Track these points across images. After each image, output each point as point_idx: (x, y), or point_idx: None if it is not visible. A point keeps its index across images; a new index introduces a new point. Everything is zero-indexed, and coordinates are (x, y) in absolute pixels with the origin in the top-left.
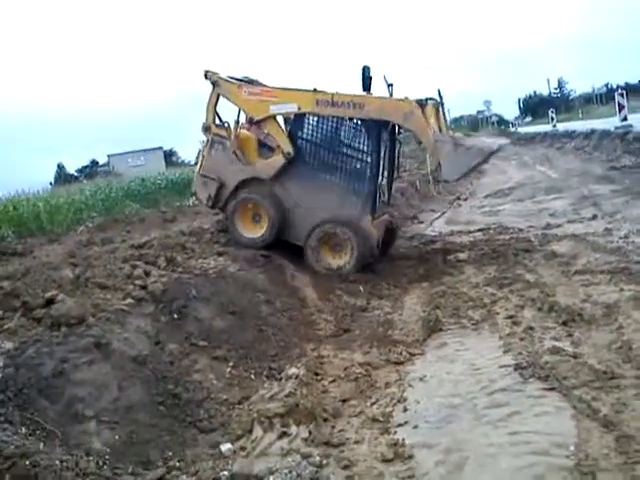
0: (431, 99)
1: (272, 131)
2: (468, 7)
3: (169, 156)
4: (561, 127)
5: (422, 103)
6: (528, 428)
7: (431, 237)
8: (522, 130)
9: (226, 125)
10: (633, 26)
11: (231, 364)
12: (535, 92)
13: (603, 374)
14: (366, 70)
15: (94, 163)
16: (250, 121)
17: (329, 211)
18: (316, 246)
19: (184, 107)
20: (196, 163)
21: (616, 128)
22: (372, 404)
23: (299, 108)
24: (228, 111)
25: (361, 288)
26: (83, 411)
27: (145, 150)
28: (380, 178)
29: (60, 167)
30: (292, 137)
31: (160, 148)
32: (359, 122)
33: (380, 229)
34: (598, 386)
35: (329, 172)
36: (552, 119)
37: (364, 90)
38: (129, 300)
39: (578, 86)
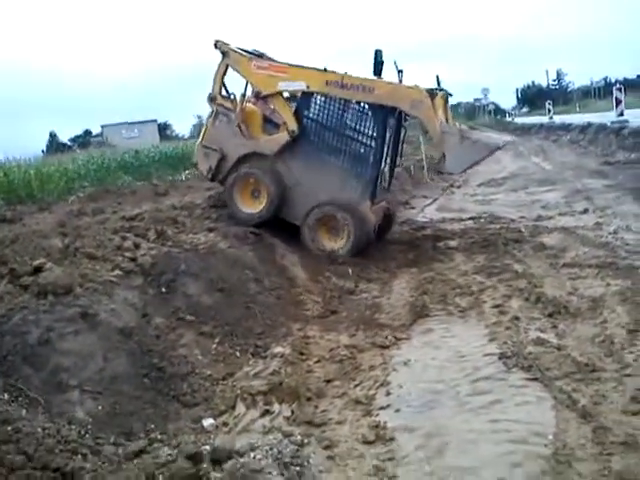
0: (441, 90)
1: (278, 107)
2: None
3: (163, 129)
4: (558, 119)
5: (432, 93)
6: (509, 416)
7: (422, 223)
8: (519, 120)
9: (232, 97)
10: (631, 22)
11: (217, 340)
12: (533, 83)
13: (585, 367)
14: (378, 54)
15: (87, 133)
16: (257, 95)
17: (329, 193)
18: (313, 226)
19: (181, 80)
20: (192, 136)
21: (612, 123)
22: (356, 386)
23: (308, 87)
24: (235, 83)
25: (350, 270)
26: (67, 380)
27: (140, 122)
28: (383, 164)
29: (52, 135)
30: (298, 115)
31: (155, 121)
32: (366, 106)
33: (378, 215)
34: (579, 378)
35: (332, 154)
36: (549, 111)
37: (375, 74)
38: (118, 272)
39: (576, 79)
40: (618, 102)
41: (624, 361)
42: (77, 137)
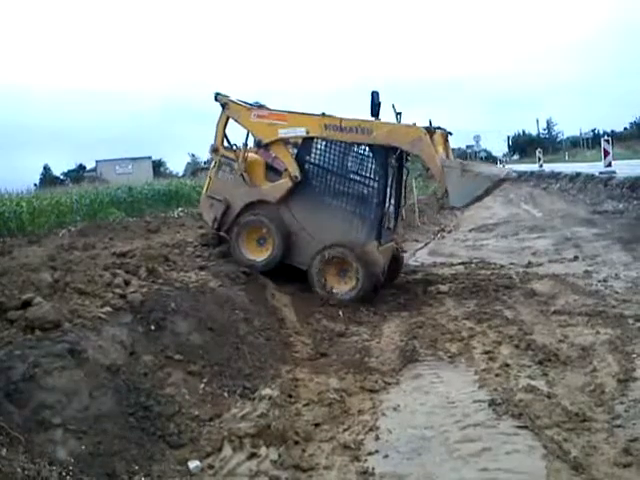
0: (439, 128)
1: (280, 154)
2: (461, 42)
3: (157, 166)
4: (547, 168)
5: (430, 130)
6: (499, 465)
7: (413, 267)
8: (509, 168)
9: (234, 147)
10: (620, 77)
11: (205, 380)
12: (524, 131)
13: (575, 416)
14: (375, 96)
15: (81, 167)
16: (258, 144)
17: (335, 236)
18: (321, 270)
19: (176, 119)
20: (184, 175)
21: (600, 173)
22: (344, 430)
23: (307, 132)
24: (237, 134)
25: (341, 313)
26: (50, 418)
27: (134, 158)
28: (387, 204)
29: (46, 169)
30: (299, 161)
31: (149, 158)
32: (367, 147)
33: (386, 256)
34: (570, 427)
35: (336, 197)
36: (539, 159)
37: (372, 115)
38: (107, 308)
39: (566, 129)
40: (606, 154)
41: (615, 411)
42: (71, 171)
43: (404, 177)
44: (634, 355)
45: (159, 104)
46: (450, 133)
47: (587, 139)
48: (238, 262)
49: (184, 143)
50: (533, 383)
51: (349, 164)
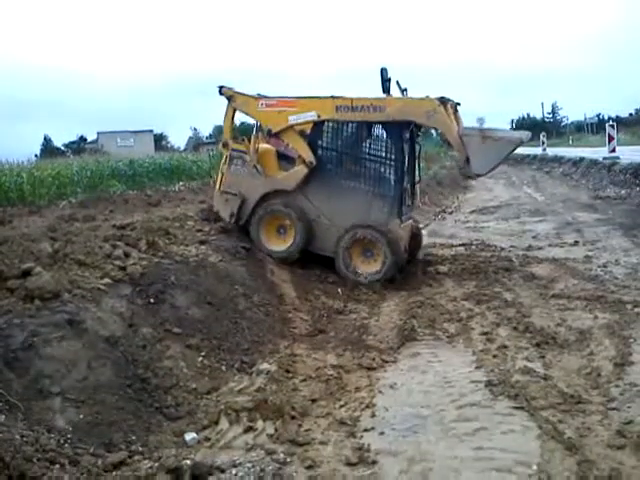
0: (448, 100)
1: (292, 141)
2: (465, 24)
3: (159, 140)
4: (551, 152)
5: (444, 100)
6: (493, 444)
7: None
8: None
9: (244, 139)
10: (627, 62)
11: (203, 354)
12: (528, 115)
13: (571, 398)
14: (384, 72)
15: (82, 139)
16: (269, 133)
17: (357, 217)
18: (346, 252)
19: (180, 92)
20: (185, 149)
21: (604, 158)
22: (341, 407)
23: (319, 116)
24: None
25: (339, 290)
26: (49, 387)
27: (135, 132)
28: (405, 181)
29: (47, 139)
30: (312, 146)
31: (150, 131)
32: (380, 125)
33: (407, 234)
34: (565, 409)
35: (353, 178)
36: (543, 143)
37: (383, 92)
38: (107, 280)
39: (570, 113)
40: (610, 139)
41: (610, 394)
42: (72, 143)
43: (417, 152)
44: (631, 340)
45: (160, 78)
46: (459, 104)
47: (591, 124)
48: (262, 252)
49: (186, 117)
50: (530, 365)
51: (363, 144)
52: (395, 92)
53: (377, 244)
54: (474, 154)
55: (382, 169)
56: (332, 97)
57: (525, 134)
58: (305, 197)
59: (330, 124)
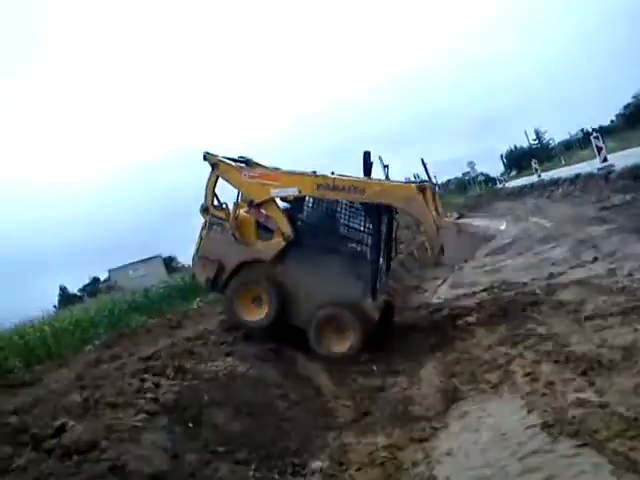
0: (425, 181)
1: (272, 213)
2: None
3: (169, 262)
4: (546, 176)
5: (423, 187)
6: None
7: (437, 305)
8: (510, 184)
9: (224, 206)
10: (596, 73)
11: (253, 466)
12: (516, 146)
13: (634, 421)
14: (367, 155)
15: (95, 280)
16: (250, 204)
17: (330, 293)
18: (318, 329)
19: (177, 212)
20: None
21: (599, 169)
22: None
23: (300, 191)
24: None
25: (374, 367)
26: None
27: (144, 260)
28: (380, 260)
29: (62, 289)
30: (291, 219)
31: (159, 256)
32: (359, 205)
33: (379, 311)
34: (632, 435)
35: (330, 255)
36: (536, 170)
37: (365, 175)
38: (141, 415)
39: (555, 135)
40: (599, 149)
41: None
42: (86, 286)
43: (394, 229)
44: None
45: (155, 205)
46: (426, 171)
47: (578, 139)
48: (235, 323)
49: (191, 234)
50: (582, 396)
51: (342, 222)
52: (377, 168)
53: (347, 322)
54: (448, 246)
55: (359, 248)
56: (314, 174)
57: (501, 226)
58: (282, 268)
59: (311, 199)
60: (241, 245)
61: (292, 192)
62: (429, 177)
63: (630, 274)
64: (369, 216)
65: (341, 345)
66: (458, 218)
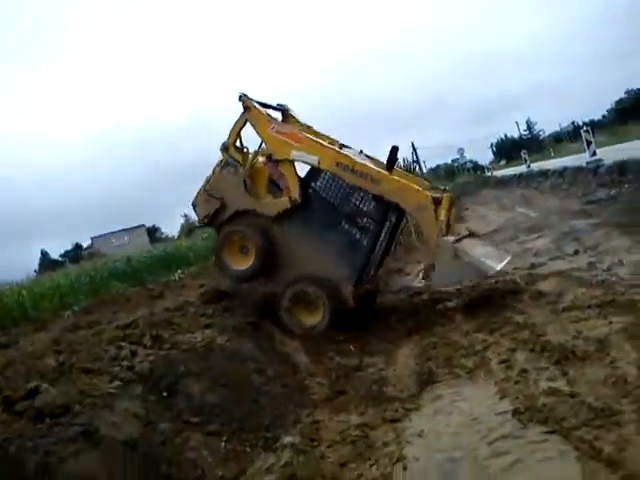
0: (446, 190)
1: (287, 174)
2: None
3: (153, 232)
4: (535, 167)
5: (438, 198)
6: (533, 476)
7: (418, 288)
8: (498, 173)
9: (245, 151)
10: (589, 67)
11: (225, 438)
12: (506, 136)
13: (602, 411)
14: (395, 151)
15: (78, 247)
16: (269, 157)
17: (314, 268)
18: (289, 303)
19: (164, 183)
20: (179, 237)
21: (587, 163)
22: (371, 466)
23: (319, 163)
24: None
25: (352, 347)
26: None
27: (128, 229)
28: (375, 251)
29: (44, 254)
30: (304, 184)
31: (142, 226)
32: (371, 195)
33: (358, 296)
34: (598, 424)
35: (328, 231)
36: (525, 160)
37: (387, 169)
38: (116, 382)
39: (546, 127)
40: (589, 143)
41: None
42: (68, 252)
43: (400, 227)
44: None
45: (141, 173)
46: (416, 155)
47: (568, 132)
48: (221, 270)
49: (175, 206)
50: (554, 385)
51: (350, 204)
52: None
53: (318, 301)
54: (440, 266)
55: (357, 234)
56: (337, 151)
57: (499, 265)
58: (280, 228)
59: (329, 173)
60: (249, 193)
61: (311, 161)
62: (417, 161)
63: (609, 268)
64: (378, 208)
65: (310, 320)
66: (467, 236)
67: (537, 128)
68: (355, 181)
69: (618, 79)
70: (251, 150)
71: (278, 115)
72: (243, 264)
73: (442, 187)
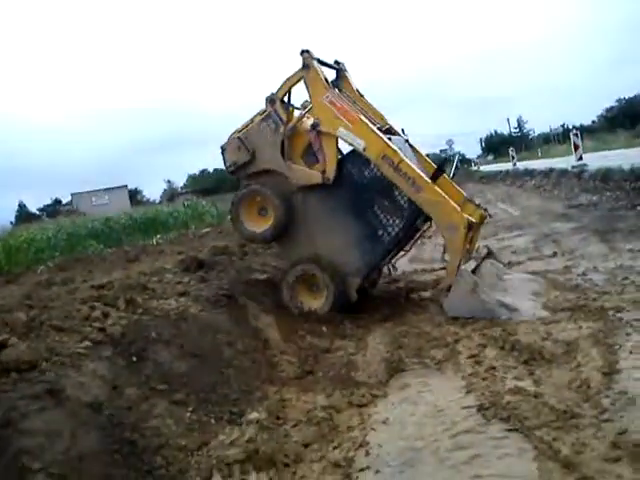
0: (479, 206)
1: (327, 148)
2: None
3: (134, 195)
4: (521, 165)
5: (472, 224)
6: (491, 471)
7: (395, 276)
8: (484, 168)
9: (291, 109)
10: (586, 72)
11: (191, 408)
12: (496, 131)
13: (563, 414)
14: (446, 162)
15: (57, 202)
16: (314, 125)
17: (327, 251)
18: (293, 284)
19: (151, 147)
20: (161, 202)
21: (573, 167)
22: (334, 448)
23: (364, 149)
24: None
25: (324, 328)
26: (30, 464)
27: (109, 189)
28: (392, 252)
29: (21, 206)
30: (342, 163)
31: (125, 187)
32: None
33: (354, 289)
34: (558, 426)
35: (353, 218)
36: (512, 158)
37: (432, 178)
38: (86, 343)
39: (536, 126)
40: (576, 147)
41: (601, 405)
42: (46, 206)
43: (423, 229)
44: (617, 346)
45: (126, 138)
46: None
47: (557, 134)
48: (236, 229)
49: (158, 171)
50: (520, 384)
51: (382, 199)
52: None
53: (323, 287)
54: (456, 294)
55: (380, 231)
56: (387, 143)
57: (512, 315)
58: (303, 200)
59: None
60: (282, 155)
61: (357, 144)
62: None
63: (584, 273)
64: (410, 210)
65: (310, 302)
66: (486, 256)
67: (527, 127)
68: (395, 179)
69: (613, 85)
70: (297, 112)
71: (333, 73)
72: (258, 226)
73: (477, 203)
